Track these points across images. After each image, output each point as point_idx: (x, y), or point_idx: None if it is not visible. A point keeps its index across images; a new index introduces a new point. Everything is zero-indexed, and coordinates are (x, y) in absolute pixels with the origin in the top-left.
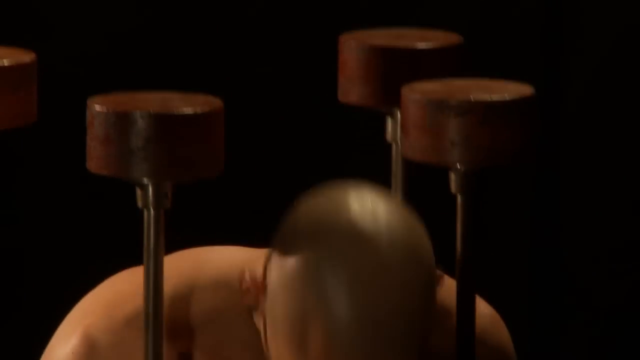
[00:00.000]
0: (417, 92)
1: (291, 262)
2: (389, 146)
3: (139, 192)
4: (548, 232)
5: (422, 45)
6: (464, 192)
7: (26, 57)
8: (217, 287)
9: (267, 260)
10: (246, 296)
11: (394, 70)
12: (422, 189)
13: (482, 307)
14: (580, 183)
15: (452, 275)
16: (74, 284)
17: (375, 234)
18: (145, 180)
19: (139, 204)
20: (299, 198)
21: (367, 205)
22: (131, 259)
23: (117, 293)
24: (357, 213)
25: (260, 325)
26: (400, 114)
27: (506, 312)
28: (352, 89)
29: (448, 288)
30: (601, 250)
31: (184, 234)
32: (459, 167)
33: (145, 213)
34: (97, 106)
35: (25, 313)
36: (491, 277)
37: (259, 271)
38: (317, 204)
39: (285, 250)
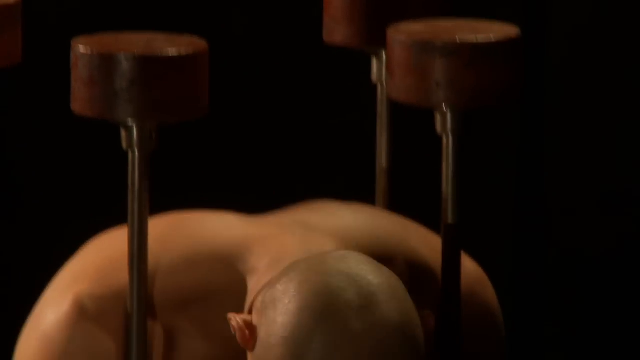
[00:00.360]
0: (402, 33)
1: (277, 348)
2: (374, 87)
3: (123, 133)
4: (533, 173)
5: None
6: (450, 133)
7: None
8: (214, 263)
9: (256, 305)
10: (234, 333)
11: (380, 11)
12: (407, 130)
13: (468, 264)
14: (565, 122)
15: (437, 222)
16: (59, 228)
17: (370, 324)
18: (130, 122)
19: (124, 145)
20: (292, 266)
21: (363, 292)
22: (117, 202)
23: (108, 259)
24: (350, 303)
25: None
26: (386, 54)
27: (490, 259)
28: (336, 28)
29: (433, 245)
30: (586, 192)
31: (169, 176)
32: (444, 108)
33: (130, 154)
34: (81, 47)
35: (11, 250)
36: (476, 220)
37: (247, 307)
38: (312, 282)
39: (273, 327)
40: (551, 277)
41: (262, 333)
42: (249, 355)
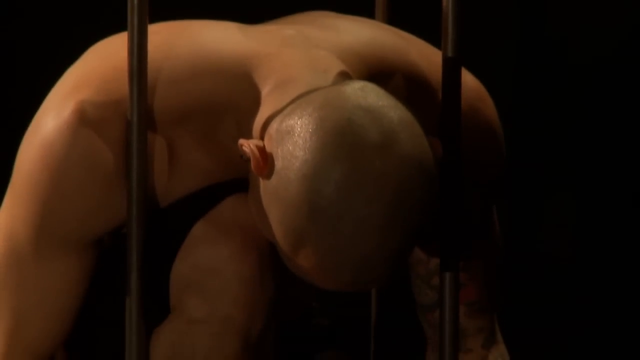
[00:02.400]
0: None
1: (296, 182)
2: None
3: None
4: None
5: None
6: None
7: None
8: (216, 76)
9: (270, 132)
10: (244, 157)
11: None
12: None
13: (468, 80)
14: None
15: (437, 36)
16: (62, 34)
17: (391, 162)
18: None
19: None
20: (310, 98)
21: (384, 130)
22: (119, 11)
23: (111, 67)
24: (372, 141)
25: (252, 192)
26: None
27: (491, 74)
28: None
29: (435, 62)
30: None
31: None
32: None
33: None
34: None
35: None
36: (477, 34)
37: (257, 132)
38: (333, 119)
39: (293, 162)
40: (551, 90)
41: (278, 164)
42: (261, 182)
